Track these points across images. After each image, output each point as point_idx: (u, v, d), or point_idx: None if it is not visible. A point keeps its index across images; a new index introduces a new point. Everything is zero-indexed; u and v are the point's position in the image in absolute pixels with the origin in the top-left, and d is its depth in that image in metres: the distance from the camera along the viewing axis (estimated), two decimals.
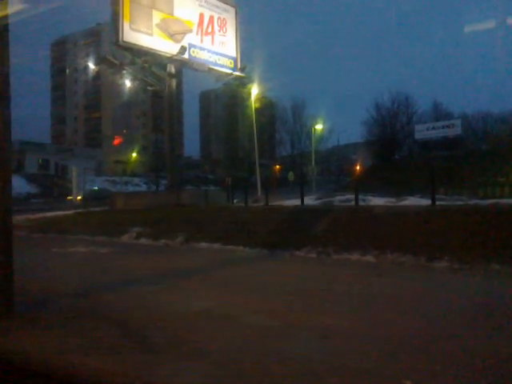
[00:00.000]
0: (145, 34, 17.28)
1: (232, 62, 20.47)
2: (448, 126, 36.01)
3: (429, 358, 3.11)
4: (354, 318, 4.18)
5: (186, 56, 18.43)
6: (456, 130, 35.58)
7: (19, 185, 40.94)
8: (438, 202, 10.65)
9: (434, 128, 36.82)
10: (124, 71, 18.97)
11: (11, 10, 4.40)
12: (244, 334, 3.80)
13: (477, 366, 2.93)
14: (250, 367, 3.04)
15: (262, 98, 41.40)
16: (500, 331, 3.70)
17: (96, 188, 44.37)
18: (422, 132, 37.59)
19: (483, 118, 52.98)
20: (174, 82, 18.99)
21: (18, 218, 14.98)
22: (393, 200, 14.04)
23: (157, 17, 17.74)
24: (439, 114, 52.95)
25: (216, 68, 19.90)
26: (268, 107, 65.94)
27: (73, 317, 4.26)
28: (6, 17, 4.27)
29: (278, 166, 69.36)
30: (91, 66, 70.61)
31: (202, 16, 19.40)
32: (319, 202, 15.63)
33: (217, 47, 19.90)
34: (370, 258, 7.47)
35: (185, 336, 3.72)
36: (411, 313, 4.37)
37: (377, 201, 14.05)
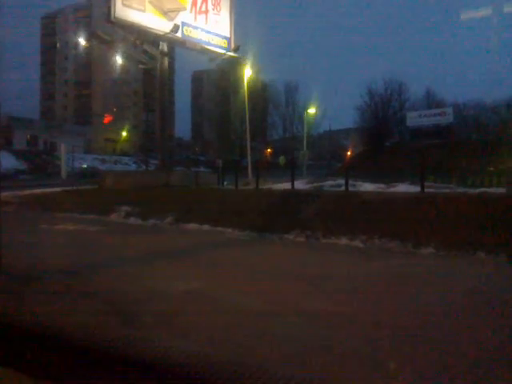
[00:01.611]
0: (137, 11, 16.94)
1: (226, 41, 20.19)
2: (440, 114, 36.23)
3: (414, 343, 3.16)
4: (341, 302, 4.23)
5: (178, 34, 18.13)
6: (448, 118, 35.80)
7: (7, 161, 40.37)
8: (426, 190, 10.74)
9: (426, 115, 37.01)
10: (115, 48, 18.64)
11: None
12: (232, 314, 3.83)
13: (463, 353, 2.99)
14: (236, 346, 3.07)
15: (254, 80, 41.01)
16: (486, 320, 3.77)
17: (85, 166, 43.96)
18: (414, 119, 37.75)
19: (475, 107, 53.12)
20: (166, 61, 18.71)
21: (5, 195, 14.82)
22: (382, 186, 14.15)
23: None
24: (432, 101, 53.03)
25: (209, 47, 19.62)
26: (261, 90, 65.34)
27: (60, 294, 4.25)
28: None
29: (269, 150, 69.18)
30: (82, 41, 69.14)
31: None
32: (310, 186, 15.69)
33: (210, 26, 19.58)
34: (358, 243, 7.53)
35: (172, 316, 3.74)
36: (397, 298, 4.44)
37: (367, 186, 14.13)
